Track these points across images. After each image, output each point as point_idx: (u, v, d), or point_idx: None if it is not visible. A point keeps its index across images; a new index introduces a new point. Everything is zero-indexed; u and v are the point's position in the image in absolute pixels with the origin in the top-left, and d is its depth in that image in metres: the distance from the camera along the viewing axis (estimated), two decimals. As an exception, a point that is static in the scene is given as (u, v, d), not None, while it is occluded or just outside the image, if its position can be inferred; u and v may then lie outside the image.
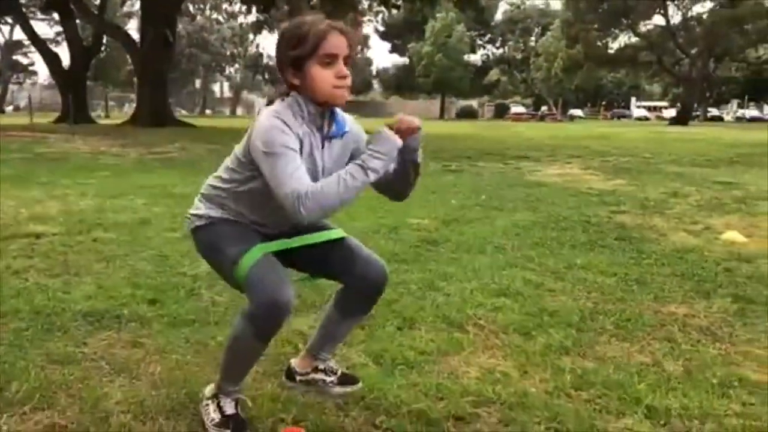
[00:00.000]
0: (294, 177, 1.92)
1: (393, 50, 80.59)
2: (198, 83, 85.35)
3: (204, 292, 3.75)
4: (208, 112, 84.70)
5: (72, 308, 3.40)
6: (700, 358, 2.92)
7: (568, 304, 3.67)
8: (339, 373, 2.46)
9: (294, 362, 2.51)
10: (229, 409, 2.22)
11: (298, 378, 2.47)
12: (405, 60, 77.20)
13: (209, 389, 2.30)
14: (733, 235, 5.63)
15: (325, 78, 2.02)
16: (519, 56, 77.28)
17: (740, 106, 76.65)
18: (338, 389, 2.44)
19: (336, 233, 2.33)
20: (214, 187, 2.24)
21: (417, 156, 2.13)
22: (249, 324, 2.07)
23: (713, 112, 72.52)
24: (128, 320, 3.27)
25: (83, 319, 3.26)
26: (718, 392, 2.56)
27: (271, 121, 2.00)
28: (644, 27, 54.68)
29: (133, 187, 8.29)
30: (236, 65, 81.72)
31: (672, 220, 6.48)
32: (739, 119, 67.81)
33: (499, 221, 6.25)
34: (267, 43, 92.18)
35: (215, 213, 2.22)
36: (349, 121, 2.22)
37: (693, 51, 52.19)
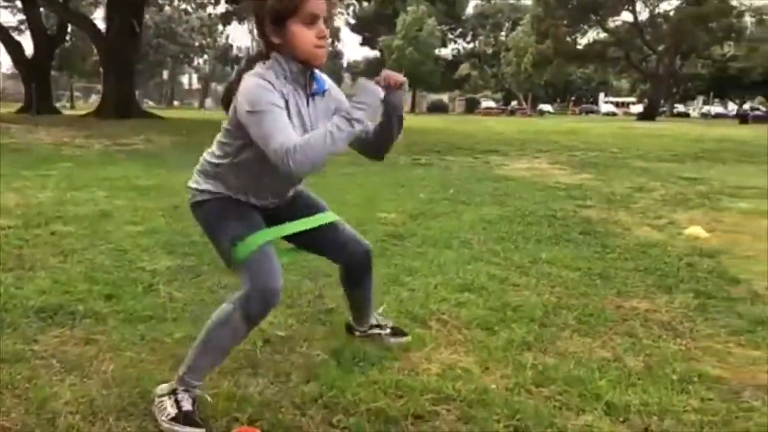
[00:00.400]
0: (282, 132, 1.99)
1: (364, 43, 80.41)
2: (166, 74, 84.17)
3: (162, 287, 3.66)
4: (176, 103, 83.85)
5: (24, 304, 3.29)
6: (660, 353, 2.92)
7: (532, 299, 3.66)
8: (390, 326, 2.95)
9: (353, 322, 2.92)
10: (187, 405, 2.20)
11: (357, 333, 2.92)
12: (376, 53, 77.08)
13: (165, 386, 2.28)
14: (696, 230, 5.68)
15: (306, 36, 2.10)
16: (489, 51, 77.63)
17: (706, 102, 77.98)
18: (393, 339, 2.89)
19: (328, 217, 2.53)
20: (210, 163, 2.32)
21: (400, 110, 2.26)
22: (240, 307, 2.16)
23: (679, 108, 73.62)
24: (83, 316, 3.17)
25: (35, 316, 3.15)
26: (677, 388, 2.56)
27: (255, 80, 2.07)
28: (613, 23, 55.30)
29: (95, 179, 8.11)
30: (205, 56, 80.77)
31: (636, 215, 6.53)
32: (704, 115, 68.94)
33: (466, 215, 6.23)
34: (236, 35, 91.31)
35: (215, 188, 2.31)
36: (326, 80, 2.32)
37: (660, 48, 52.90)
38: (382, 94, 2.09)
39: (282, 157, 1.95)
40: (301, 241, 2.54)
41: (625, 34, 53.67)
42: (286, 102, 2.11)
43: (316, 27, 2.10)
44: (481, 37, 79.63)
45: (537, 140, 18.21)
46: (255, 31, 2.22)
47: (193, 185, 2.37)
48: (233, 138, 2.20)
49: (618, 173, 10.37)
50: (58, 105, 36.61)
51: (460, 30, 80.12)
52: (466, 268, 4.26)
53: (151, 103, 72.01)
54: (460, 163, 11.73)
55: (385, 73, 2.16)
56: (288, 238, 2.49)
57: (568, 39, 55.16)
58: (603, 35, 56.27)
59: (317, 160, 1.96)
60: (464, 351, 2.90)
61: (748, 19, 56.30)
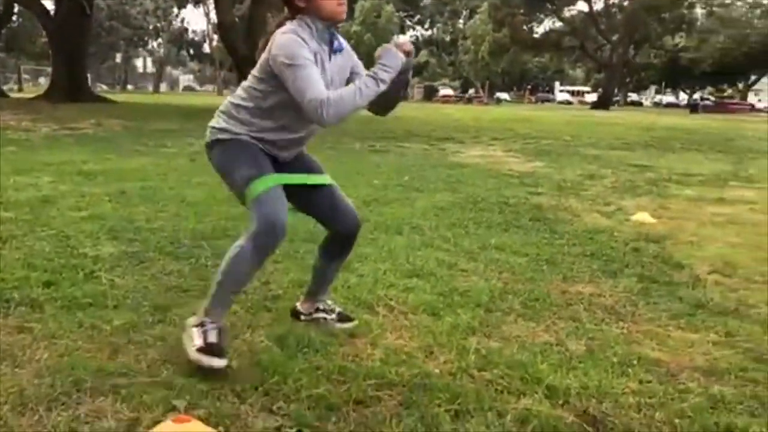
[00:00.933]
0: (316, 85, 2.27)
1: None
2: (119, 58, 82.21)
3: (104, 274, 3.57)
4: (130, 87, 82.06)
5: (-44, 292, 3.17)
6: (602, 337, 2.96)
7: (479, 284, 3.67)
8: (337, 311, 2.97)
9: (299, 305, 2.97)
10: (212, 337, 2.45)
11: (303, 318, 2.95)
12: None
13: (193, 319, 2.54)
14: (642, 216, 5.79)
15: None
16: (447, 38, 77.75)
17: (658, 92, 79.63)
18: (338, 325, 2.91)
19: (328, 179, 2.73)
20: (236, 105, 2.55)
21: (410, 74, 2.52)
22: (251, 241, 2.42)
23: (633, 97, 75.04)
24: (18, 304, 3.06)
25: (-32, 304, 3.04)
26: (617, 371, 2.59)
27: (291, 36, 2.34)
28: (568, 13, 55.92)
29: (40, 164, 7.88)
30: (159, 40, 79.08)
31: (586, 202, 6.62)
32: (656, 104, 70.51)
33: (419, 202, 6.23)
34: (191, 18, 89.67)
35: (238, 129, 2.53)
36: (344, 41, 2.58)
37: (614, 37, 53.66)
38: (404, 58, 2.37)
39: (316, 107, 2.24)
40: (302, 202, 2.73)
41: (580, 24, 54.36)
42: (315, 57, 2.37)
43: None
44: (439, 25, 79.69)
45: (492, 128, 18.34)
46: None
47: (216, 125, 2.58)
48: (262, 84, 2.46)
49: (570, 161, 10.51)
50: (5, 88, 35.43)
51: (418, 17, 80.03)
52: (416, 254, 4.26)
53: (104, 86, 70.29)
54: (416, 150, 11.74)
55: (397, 41, 2.43)
56: (288, 197, 2.57)
57: (524, 28, 55.63)
58: (559, 24, 56.91)
59: (346, 114, 2.28)
60: (409, 336, 2.89)
61: (699, 11, 57.57)
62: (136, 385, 2.31)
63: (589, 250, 4.51)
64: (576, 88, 77.71)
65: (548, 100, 72.16)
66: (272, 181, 2.47)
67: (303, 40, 2.35)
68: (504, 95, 72.98)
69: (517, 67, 71.61)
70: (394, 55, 2.35)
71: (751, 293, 3.69)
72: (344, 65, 2.58)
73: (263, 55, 2.43)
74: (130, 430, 2.06)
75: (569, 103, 67.76)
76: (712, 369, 2.65)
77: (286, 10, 2.51)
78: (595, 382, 2.47)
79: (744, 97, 66.04)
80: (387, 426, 2.12)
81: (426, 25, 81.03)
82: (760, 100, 68.27)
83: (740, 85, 70.49)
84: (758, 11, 58.43)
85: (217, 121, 2.59)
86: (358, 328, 2.93)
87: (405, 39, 2.45)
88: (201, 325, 2.48)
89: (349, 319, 2.97)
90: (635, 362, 2.69)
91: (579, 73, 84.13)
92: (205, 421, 2.06)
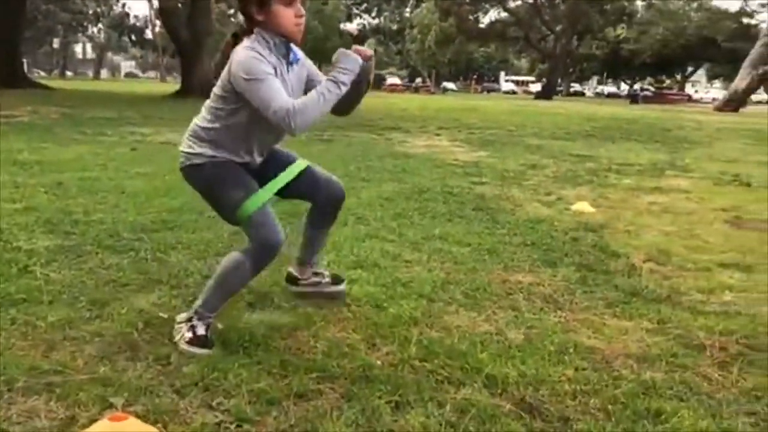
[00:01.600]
0: (279, 96, 2.37)
1: (267, 16, 78.58)
2: (57, 43, 79.56)
3: (39, 269, 3.47)
4: (69, 74, 79.62)
5: None
6: (541, 325, 3.02)
7: (422, 275, 3.71)
8: (329, 274, 3.18)
9: (293, 271, 3.13)
10: (201, 330, 2.62)
11: (299, 282, 3.12)
12: (280, 26, 75.61)
13: (183, 315, 2.70)
14: (582, 205, 5.92)
15: (287, 15, 2.48)
16: (394, 27, 77.69)
17: (600, 82, 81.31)
18: (332, 288, 3.14)
19: (303, 164, 2.86)
20: (202, 128, 2.61)
21: (370, 77, 2.61)
22: (249, 258, 2.57)
23: (576, 87, 76.39)
24: (-53, 301, 2.97)
25: None
26: (554, 359, 2.66)
27: (249, 53, 2.43)
28: (513, 3, 56.48)
29: (-29, 154, 7.59)
30: (99, 25, 76.82)
31: (528, 191, 6.73)
32: (598, 95, 72.02)
33: (364, 192, 6.24)
34: (132, 3, 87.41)
35: (211, 152, 2.59)
36: (298, 51, 2.68)
37: (557, 28, 54.49)
38: (361, 60, 2.47)
39: (283, 117, 2.34)
40: (284, 192, 2.81)
41: (524, 15, 54.98)
42: (275, 70, 2.46)
43: (294, 7, 2.48)
44: (386, 13, 79.51)
45: (438, 117, 18.46)
46: (238, 11, 2.67)
47: (187, 149, 2.64)
48: (226, 103, 2.54)
49: (513, 151, 10.66)
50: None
51: (365, 5, 79.68)
52: (360, 245, 4.27)
53: (41, 73, 68.05)
54: (362, 139, 11.72)
55: (356, 48, 2.52)
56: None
57: (470, 18, 56.00)
58: (504, 15, 57.45)
59: (313, 119, 2.39)
60: (352, 328, 2.90)
61: (639, 3, 58.93)
62: (71, 383, 2.26)
63: (529, 240, 4.59)
64: (521, 78, 78.75)
65: (493, 90, 72.95)
66: (261, 199, 2.58)
67: (261, 55, 2.44)
68: (450, 85, 73.51)
69: (463, 56, 72.09)
70: (351, 58, 2.46)
71: (684, 281, 3.83)
72: (301, 75, 2.69)
73: (223, 74, 2.51)
74: (64, 430, 2.02)
75: (514, 92, 68.66)
76: (645, 355, 2.74)
77: (242, 20, 2.61)
78: (533, 370, 2.53)
79: (682, 88, 68.14)
80: (328, 419, 2.13)
81: (373, 14, 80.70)
82: (696, 91, 70.61)
83: (678, 77, 72.64)
84: (695, 4, 60.16)
85: (188, 145, 2.64)
86: (300, 322, 2.92)
87: (363, 48, 2.55)
88: (189, 320, 2.65)
89: (341, 280, 3.23)
90: (572, 350, 2.76)
91: (524, 63, 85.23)
92: (143, 418, 2.04)
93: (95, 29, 78.84)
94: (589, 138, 13.74)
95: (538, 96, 51.25)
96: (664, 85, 72.24)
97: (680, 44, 58.65)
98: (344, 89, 2.44)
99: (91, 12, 71.05)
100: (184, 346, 2.58)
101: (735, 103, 33.44)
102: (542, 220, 5.29)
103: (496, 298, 3.37)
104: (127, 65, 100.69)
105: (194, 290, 3.27)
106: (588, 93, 75.34)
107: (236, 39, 2.55)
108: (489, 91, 72.17)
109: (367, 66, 2.54)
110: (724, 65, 61.04)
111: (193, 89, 23.89)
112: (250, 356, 2.54)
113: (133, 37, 75.79)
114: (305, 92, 2.59)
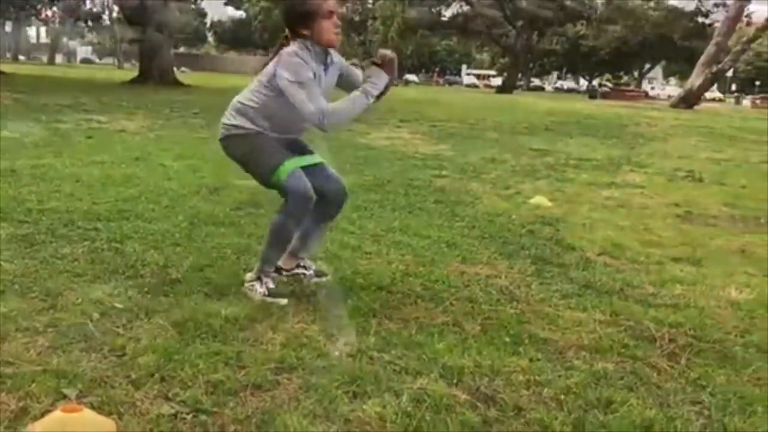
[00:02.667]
0: (315, 99, 2.84)
1: (228, 3, 77.54)
2: (9, 26, 77.25)
3: (-10, 258, 3.40)
4: (21, 58, 77.48)
5: None
6: (497, 317, 3.07)
7: (382, 267, 3.74)
8: (313, 267, 3.42)
9: (281, 262, 3.29)
10: (271, 284, 3.12)
11: (284, 273, 3.33)
12: (241, 13, 74.75)
13: (250, 275, 3.15)
14: (539, 199, 6.01)
15: (328, 27, 2.95)
16: (357, 18, 77.37)
17: (559, 77, 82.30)
18: (315, 279, 3.36)
19: (318, 158, 3.25)
20: (245, 105, 3.05)
21: (392, 82, 3.01)
22: (288, 214, 3.04)
23: (536, 82, 77.16)
24: None
25: None
26: (509, 350, 2.71)
27: (295, 58, 2.88)
28: (475, -3, 56.64)
29: None
30: (54, 9, 74.77)
31: (487, 185, 6.81)
32: (558, 89, 72.86)
33: (324, 183, 6.22)
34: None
35: (249, 125, 3.04)
36: (335, 53, 3.11)
37: (518, 23, 54.89)
38: (388, 77, 2.96)
39: (318, 117, 2.83)
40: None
41: (486, 9, 55.21)
42: (314, 74, 2.89)
43: (332, 19, 2.94)
44: (348, 4, 79.09)
45: (401, 110, 18.44)
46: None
47: (227, 121, 3.08)
48: (268, 90, 2.98)
49: (474, 144, 10.75)
50: None
51: (328, -5, 79.17)
52: (320, 236, 4.26)
53: (-8, 57, 65.97)
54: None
55: (381, 52, 2.99)
56: None
57: (432, 10, 56.10)
58: (466, 8, 57.63)
59: (342, 122, 2.94)
60: (311, 320, 2.91)
61: (598, 1, 59.63)
62: (23, 375, 2.23)
63: (487, 233, 4.65)
64: (482, 72, 79.24)
65: (455, 83, 73.32)
66: (294, 164, 3.01)
67: (304, 60, 2.89)
68: (413, 77, 73.52)
69: (425, 49, 72.21)
70: (381, 75, 2.94)
71: (636, 274, 3.92)
72: (334, 75, 3.14)
73: (269, 66, 2.97)
74: (16, 421, 1.99)
75: (475, 86, 69.09)
76: (597, 346, 2.81)
77: (287, 31, 3.03)
78: (488, 361, 2.57)
79: (639, 85, 69.42)
80: (285, 410, 2.13)
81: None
82: (653, 88, 72.10)
83: (635, 73, 73.93)
84: (652, 2, 61.16)
85: (228, 118, 3.08)
86: (259, 314, 2.92)
87: (385, 51, 3.04)
88: (259, 279, 3.10)
89: (324, 274, 3.43)
90: (527, 341, 2.81)
91: (485, 57, 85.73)
92: (98, 409, 2.02)
93: (49, 13, 76.77)
94: (548, 132, 13.92)
95: (499, 90, 51.57)
96: (622, 81, 73.50)
97: (638, 41, 59.68)
98: (371, 100, 2.92)
99: (45, -5, 69.14)
100: (265, 298, 3.02)
101: (690, 100, 34.15)
102: (500, 213, 5.36)
103: (453, 290, 3.41)
104: (83, 51, 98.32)
105: (150, 280, 3.25)
106: (548, 88, 76.19)
107: (286, 40, 3.00)
108: (451, 83, 72.52)
109: (390, 80, 2.98)
110: (680, 63, 62.44)
111: (152, 76, 23.51)
112: (207, 347, 2.53)
113: (89, 23, 74.03)
114: (340, 84, 3.16)
